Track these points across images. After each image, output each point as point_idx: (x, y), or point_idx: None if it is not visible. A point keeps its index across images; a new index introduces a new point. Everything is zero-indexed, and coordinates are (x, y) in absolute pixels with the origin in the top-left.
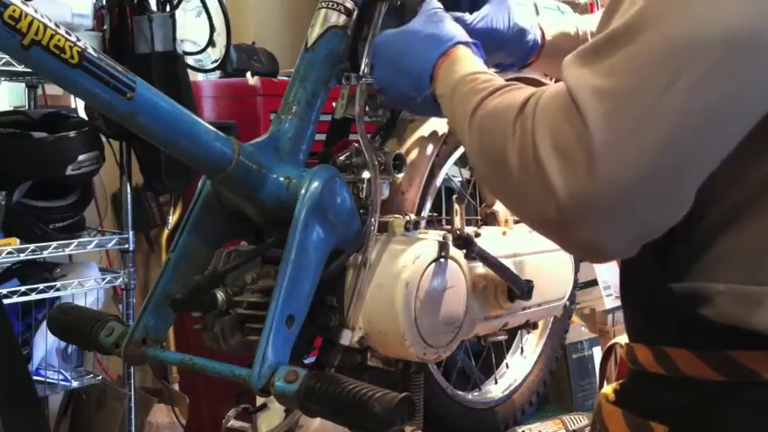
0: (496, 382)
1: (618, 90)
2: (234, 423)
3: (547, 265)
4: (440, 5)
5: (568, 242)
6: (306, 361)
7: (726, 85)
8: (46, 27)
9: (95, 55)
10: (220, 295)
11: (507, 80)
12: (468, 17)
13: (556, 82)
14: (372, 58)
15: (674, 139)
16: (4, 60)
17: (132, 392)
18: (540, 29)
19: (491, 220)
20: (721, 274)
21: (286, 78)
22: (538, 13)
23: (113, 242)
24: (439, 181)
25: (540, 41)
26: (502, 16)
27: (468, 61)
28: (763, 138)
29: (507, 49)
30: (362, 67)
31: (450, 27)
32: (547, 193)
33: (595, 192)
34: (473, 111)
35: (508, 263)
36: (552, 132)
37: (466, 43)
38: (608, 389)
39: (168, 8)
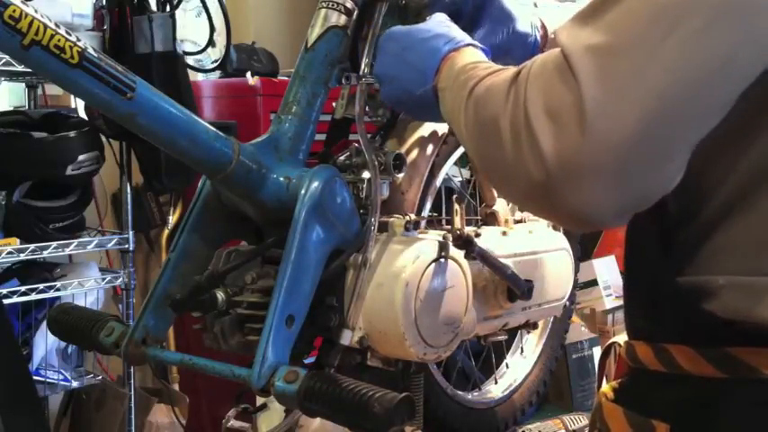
0: (496, 382)
1: (610, 46)
2: (234, 423)
3: (547, 265)
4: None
5: (556, 209)
6: (306, 361)
7: (719, 41)
8: (46, 27)
9: (95, 55)
10: (220, 295)
11: None
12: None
13: None
14: (376, 51)
15: (666, 95)
16: (4, 60)
17: (132, 392)
18: (542, 25)
19: (491, 220)
20: (721, 266)
21: (286, 78)
22: (536, 5)
23: (113, 242)
24: (439, 181)
25: (540, 40)
26: (503, 29)
27: (470, 56)
28: (759, 123)
29: (510, 55)
30: (362, 67)
31: (461, 31)
32: (536, 156)
33: (585, 151)
34: (469, 92)
35: (508, 263)
36: (544, 93)
37: (475, 45)
38: (607, 387)
39: (168, 8)
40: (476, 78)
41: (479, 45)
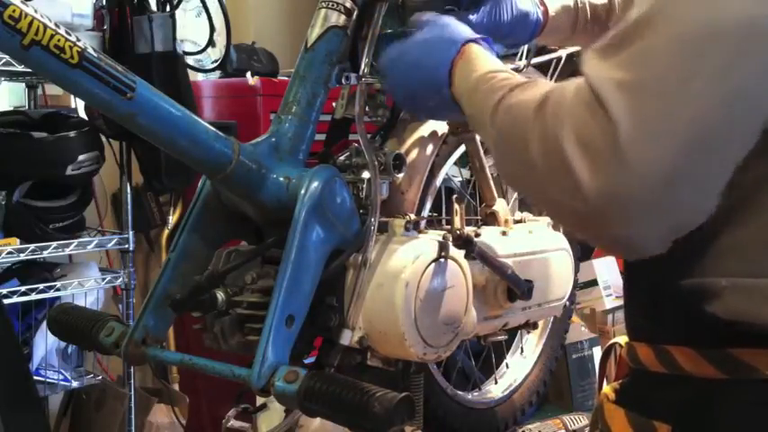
0: (496, 382)
1: (640, 81)
2: (234, 423)
3: (547, 264)
4: (435, 15)
5: (599, 238)
6: (306, 361)
7: (746, 69)
8: (46, 27)
9: (95, 55)
10: (220, 295)
11: None
12: (471, 17)
13: (553, 72)
14: (383, 74)
15: (700, 126)
16: (4, 60)
17: (132, 392)
18: (544, 4)
19: (491, 220)
20: (724, 268)
21: (286, 78)
22: None
23: (113, 242)
24: (439, 181)
25: (542, 18)
26: (505, 7)
27: (483, 60)
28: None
29: (513, 34)
30: (362, 67)
31: (456, 28)
32: (575, 189)
33: (625, 186)
34: (493, 109)
35: (508, 263)
36: (576, 128)
37: (475, 40)
38: (608, 388)
39: (168, 8)
40: (496, 94)
41: (479, 36)
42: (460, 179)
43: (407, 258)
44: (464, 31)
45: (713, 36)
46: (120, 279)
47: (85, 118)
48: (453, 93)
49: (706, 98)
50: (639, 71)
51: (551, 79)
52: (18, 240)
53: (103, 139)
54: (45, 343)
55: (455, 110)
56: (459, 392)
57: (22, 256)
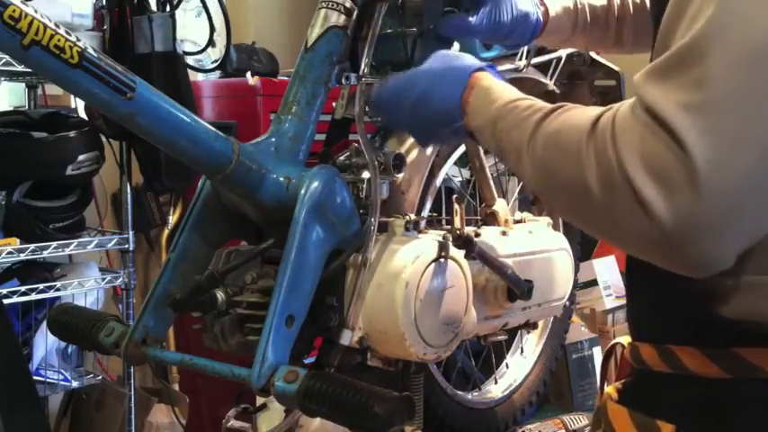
0: (496, 382)
1: (710, 103)
2: (234, 423)
3: (547, 264)
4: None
5: (675, 261)
6: (306, 361)
7: None
8: (46, 27)
9: (95, 55)
10: (220, 295)
11: (507, 81)
12: (471, 18)
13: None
14: (381, 109)
15: None
16: (4, 60)
17: (132, 392)
18: (544, 5)
19: (491, 220)
20: (731, 267)
21: (286, 78)
22: None
23: (113, 242)
24: (439, 181)
25: (542, 19)
26: (505, 8)
27: (498, 89)
28: None
29: (513, 35)
30: (362, 67)
31: (461, 59)
32: (647, 217)
33: (703, 211)
34: (530, 137)
35: (508, 263)
36: (643, 156)
37: (481, 68)
38: (611, 388)
39: (168, 8)
40: (529, 122)
41: (485, 64)
42: (460, 179)
43: (407, 258)
44: (469, 60)
45: None
46: (120, 279)
47: (85, 118)
48: (467, 124)
49: None
50: (706, 92)
51: (551, 79)
52: (18, 240)
53: (103, 139)
54: (45, 343)
55: (467, 137)
56: (459, 392)
57: (22, 256)
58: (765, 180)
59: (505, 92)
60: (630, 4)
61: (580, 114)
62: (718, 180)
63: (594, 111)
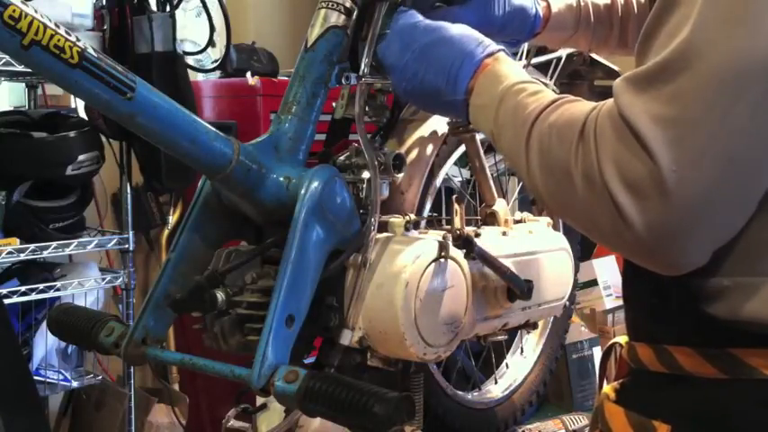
0: (496, 382)
1: (680, 118)
2: (234, 423)
3: (547, 265)
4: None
5: (650, 261)
6: (306, 361)
7: None
8: (46, 27)
9: (95, 55)
10: (220, 295)
11: None
12: (461, 12)
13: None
14: (381, 37)
15: (739, 158)
16: (4, 60)
17: (132, 392)
18: (546, 0)
19: (491, 220)
20: (727, 268)
21: (286, 78)
22: None
23: (113, 242)
24: (439, 181)
25: (542, 14)
26: (497, 1)
27: (508, 68)
28: None
29: (508, 30)
30: (362, 67)
31: (479, 34)
32: (621, 222)
33: (673, 218)
34: (530, 128)
35: (508, 263)
36: (616, 163)
37: (505, 51)
38: (608, 388)
39: (168, 8)
40: (528, 111)
41: (502, 47)
42: (460, 179)
43: (407, 258)
44: (487, 39)
45: (746, 76)
46: (120, 279)
47: (85, 118)
48: (469, 98)
49: (741, 134)
50: (677, 108)
51: (551, 79)
52: (18, 240)
53: (103, 139)
54: (45, 343)
55: (460, 113)
56: (459, 392)
57: (22, 256)
58: (729, 190)
59: (516, 73)
60: (635, 4)
61: (573, 110)
62: (685, 189)
63: (586, 107)
